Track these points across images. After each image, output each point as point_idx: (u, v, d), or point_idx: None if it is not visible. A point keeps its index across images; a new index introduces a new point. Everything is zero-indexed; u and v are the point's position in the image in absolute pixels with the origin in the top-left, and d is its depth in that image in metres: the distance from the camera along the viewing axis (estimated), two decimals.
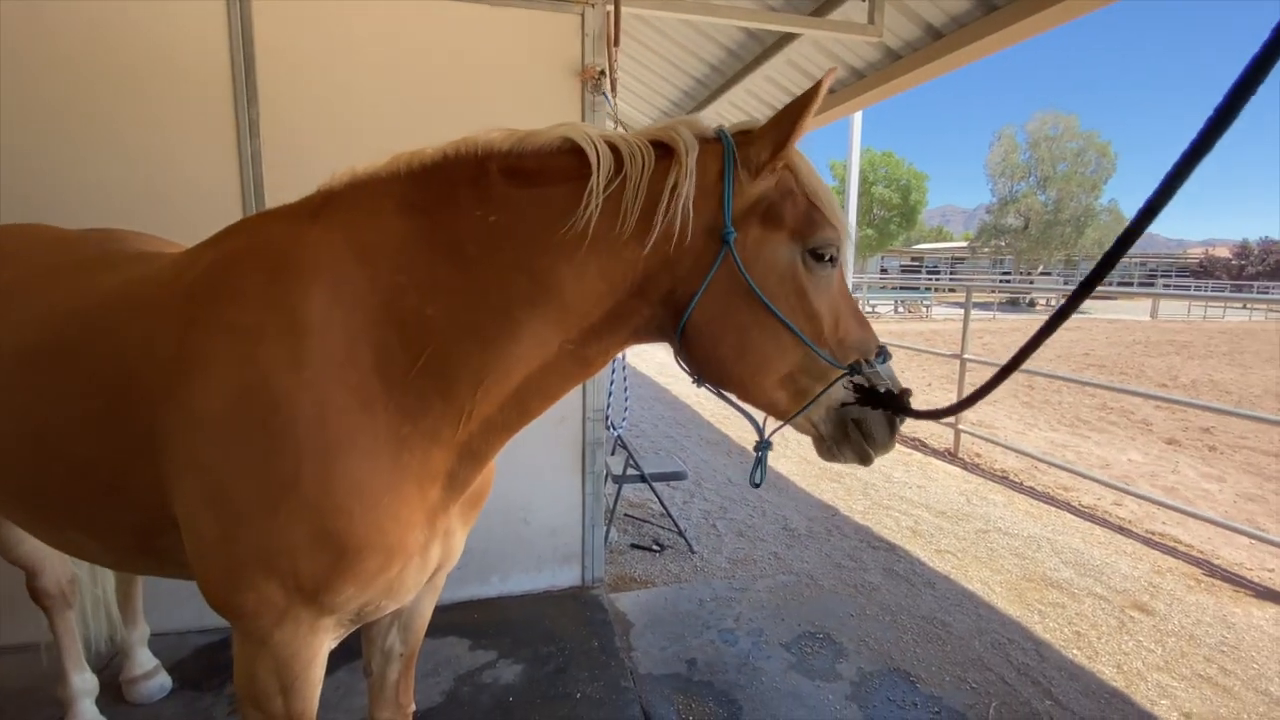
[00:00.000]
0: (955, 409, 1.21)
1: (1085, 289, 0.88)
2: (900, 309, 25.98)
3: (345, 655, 2.44)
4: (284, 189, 2.64)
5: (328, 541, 1.07)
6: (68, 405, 1.24)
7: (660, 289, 1.15)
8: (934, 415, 1.23)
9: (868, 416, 1.18)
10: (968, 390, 6.70)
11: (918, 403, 1.20)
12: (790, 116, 1.09)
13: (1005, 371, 1.07)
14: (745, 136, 1.15)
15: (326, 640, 1.21)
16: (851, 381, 1.18)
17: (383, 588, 1.17)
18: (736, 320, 1.14)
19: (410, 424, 1.13)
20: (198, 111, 2.55)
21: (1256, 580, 3.63)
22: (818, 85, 1.07)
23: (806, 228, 1.14)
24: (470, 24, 2.76)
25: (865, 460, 1.22)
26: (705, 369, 1.21)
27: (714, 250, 1.12)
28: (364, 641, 1.59)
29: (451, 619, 2.89)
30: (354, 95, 2.68)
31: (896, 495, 4.85)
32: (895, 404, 1.18)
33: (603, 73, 2.87)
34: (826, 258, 1.15)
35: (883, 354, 1.20)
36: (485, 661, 2.66)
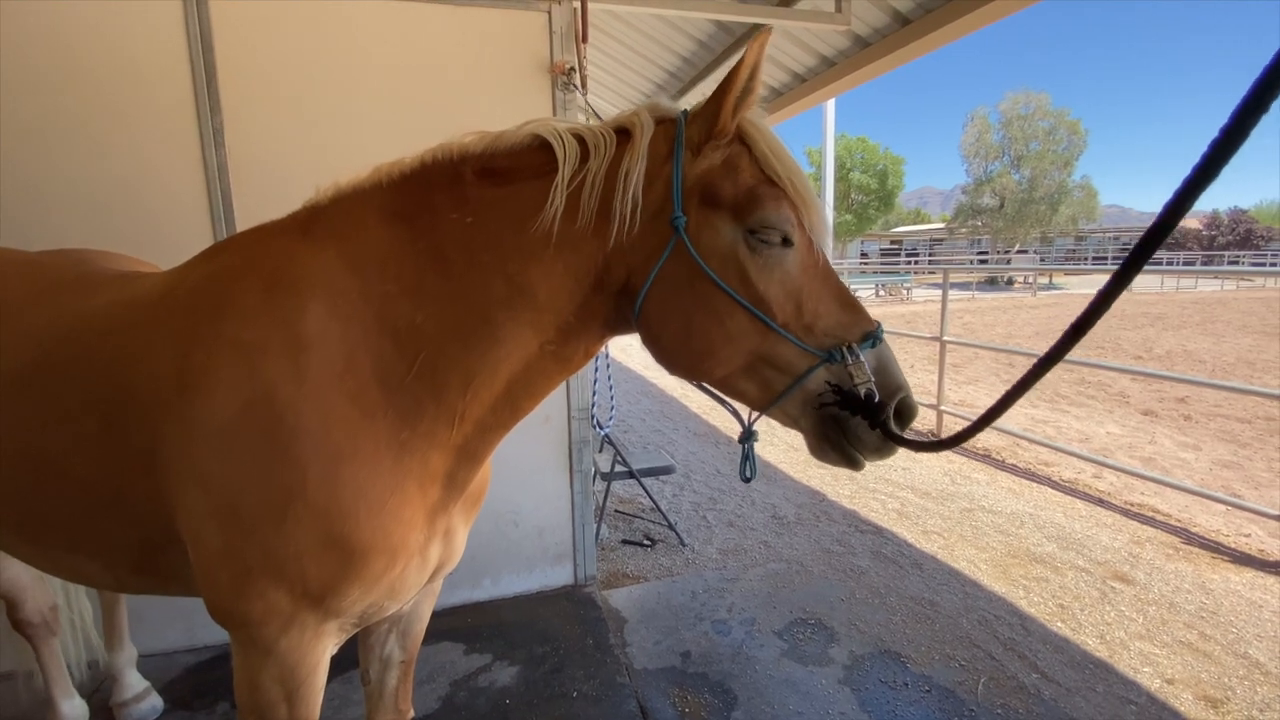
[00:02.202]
0: (954, 441, 1.00)
1: (1075, 334, 0.75)
2: (881, 292, 26.19)
3: (339, 667, 2.42)
4: (253, 198, 2.60)
5: (335, 545, 1.09)
6: (62, 427, 1.23)
7: (617, 279, 1.14)
8: (923, 447, 1.07)
9: (847, 415, 1.07)
10: (947, 371, 6.79)
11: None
12: (722, 88, 1.05)
13: (1002, 406, 0.91)
14: (694, 114, 1.11)
15: (329, 646, 1.23)
16: (830, 379, 1.07)
17: (386, 588, 1.19)
18: (681, 305, 1.09)
19: (409, 429, 1.15)
20: (161, 123, 2.50)
21: (1233, 546, 3.73)
22: (746, 51, 1.01)
23: (747, 206, 1.06)
24: (435, 25, 2.72)
25: (853, 465, 1.10)
26: (658, 356, 1.17)
27: (662, 235, 1.10)
28: (361, 650, 1.59)
29: (445, 624, 2.89)
30: (320, 101, 2.64)
31: (882, 478, 4.91)
32: (872, 414, 1.03)
33: (573, 69, 2.85)
34: (776, 239, 1.06)
35: (871, 338, 1.07)
36: (480, 665, 2.66)
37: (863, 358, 1.05)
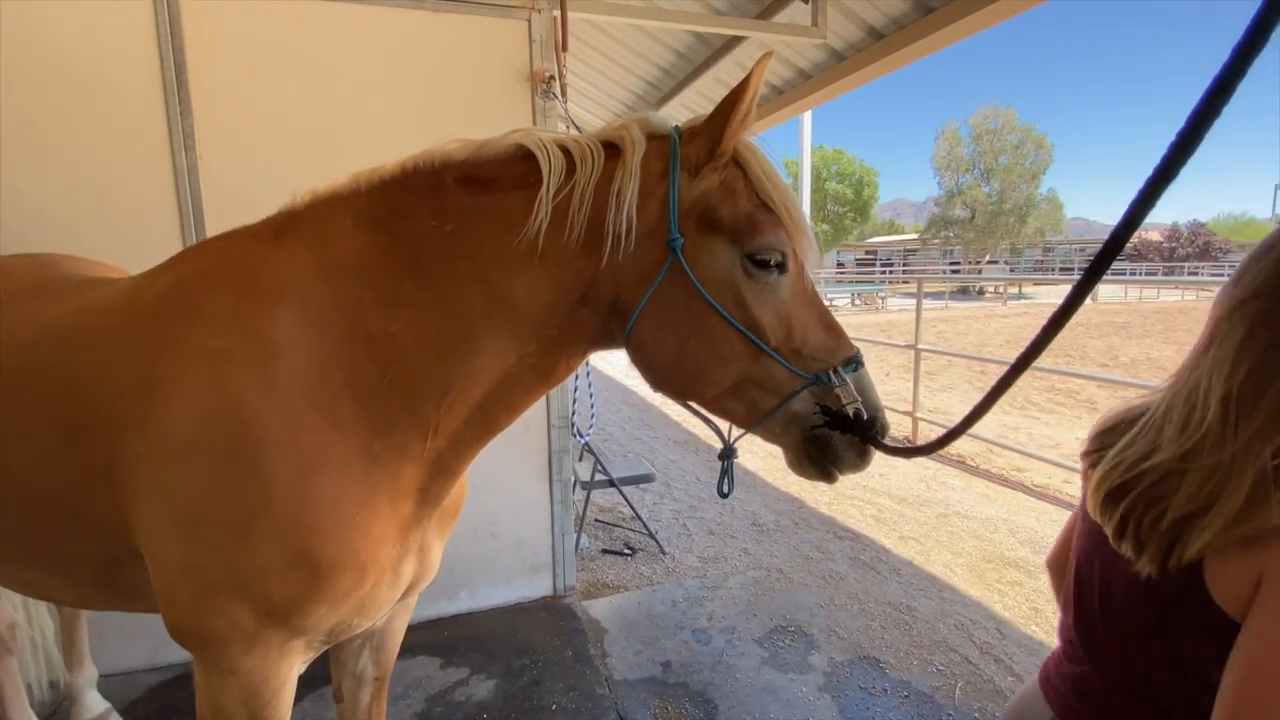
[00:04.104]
0: (932, 447, 1.04)
1: (1048, 334, 0.77)
2: (857, 301, 26.56)
3: (311, 684, 2.37)
4: (224, 203, 2.55)
5: (301, 562, 1.05)
6: (21, 439, 1.18)
7: (605, 296, 1.12)
8: (907, 453, 1.11)
9: (830, 434, 1.10)
10: (922, 378, 6.90)
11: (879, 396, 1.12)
12: (724, 110, 1.03)
13: (978, 411, 0.92)
14: (691, 133, 1.09)
15: (296, 664, 1.19)
16: (817, 400, 1.09)
17: (355, 605, 1.15)
18: (675, 327, 1.08)
19: (380, 440, 1.12)
20: (128, 125, 2.44)
21: None
22: (748, 76, 1.01)
23: (747, 231, 1.06)
24: (413, 31, 2.70)
25: (829, 479, 1.15)
26: (648, 376, 1.17)
27: (656, 255, 1.08)
28: (333, 666, 1.55)
29: (421, 638, 2.83)
30: (295, 105, 2.60)
31: (859, 484, 4.96)
32: (863, 432, 1.07)
33: (552, 77, 2.85)
34: (771, 263, 1.07)
35: (854, 362, 1.10)
36: (457, 679, 2.61)
37: (848, 380, 1.08)
